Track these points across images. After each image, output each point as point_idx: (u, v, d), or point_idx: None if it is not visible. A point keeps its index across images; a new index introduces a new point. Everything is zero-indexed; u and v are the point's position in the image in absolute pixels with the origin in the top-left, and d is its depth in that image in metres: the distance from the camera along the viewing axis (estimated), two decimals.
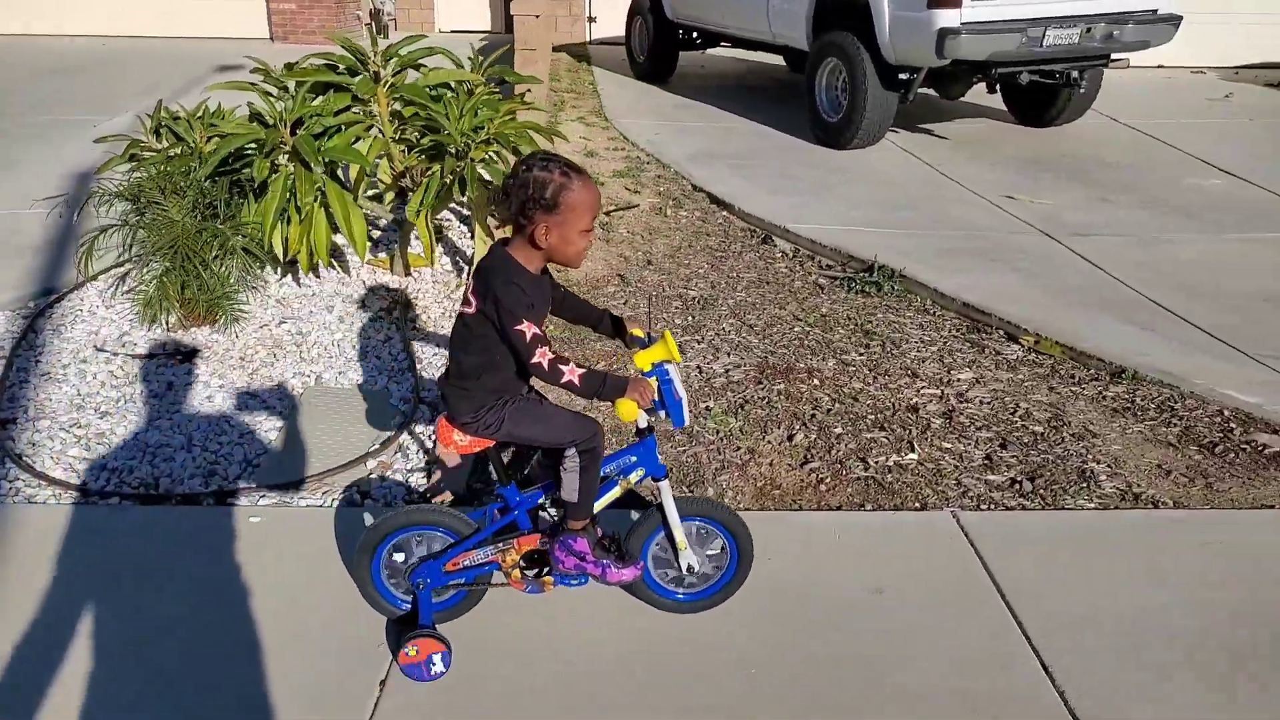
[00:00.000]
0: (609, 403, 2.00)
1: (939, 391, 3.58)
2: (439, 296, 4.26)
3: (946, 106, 8.29)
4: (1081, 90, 6.67)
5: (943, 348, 3.94)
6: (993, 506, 2.93)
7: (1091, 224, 5.45)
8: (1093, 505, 2.94)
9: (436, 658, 2.16)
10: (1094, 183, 6.21)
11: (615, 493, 2.19)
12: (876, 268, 4.65)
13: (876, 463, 3.12)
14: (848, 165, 6.57)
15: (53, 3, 11.05)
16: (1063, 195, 6.00)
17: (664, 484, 2.17)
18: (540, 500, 2.23)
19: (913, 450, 3.17)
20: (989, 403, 3.51)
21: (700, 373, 3.63)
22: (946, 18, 6.04)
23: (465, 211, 4.86)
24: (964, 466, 3.11)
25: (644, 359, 2.07)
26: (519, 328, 1.91)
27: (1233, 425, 3.39)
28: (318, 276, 4.25)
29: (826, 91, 7.09)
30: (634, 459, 2.18)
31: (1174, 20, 6.62)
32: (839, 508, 2.91)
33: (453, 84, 4.01)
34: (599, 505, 2.18)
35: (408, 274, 4.29)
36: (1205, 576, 2.62)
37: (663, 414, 2.07)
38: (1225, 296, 4.44)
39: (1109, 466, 3.13)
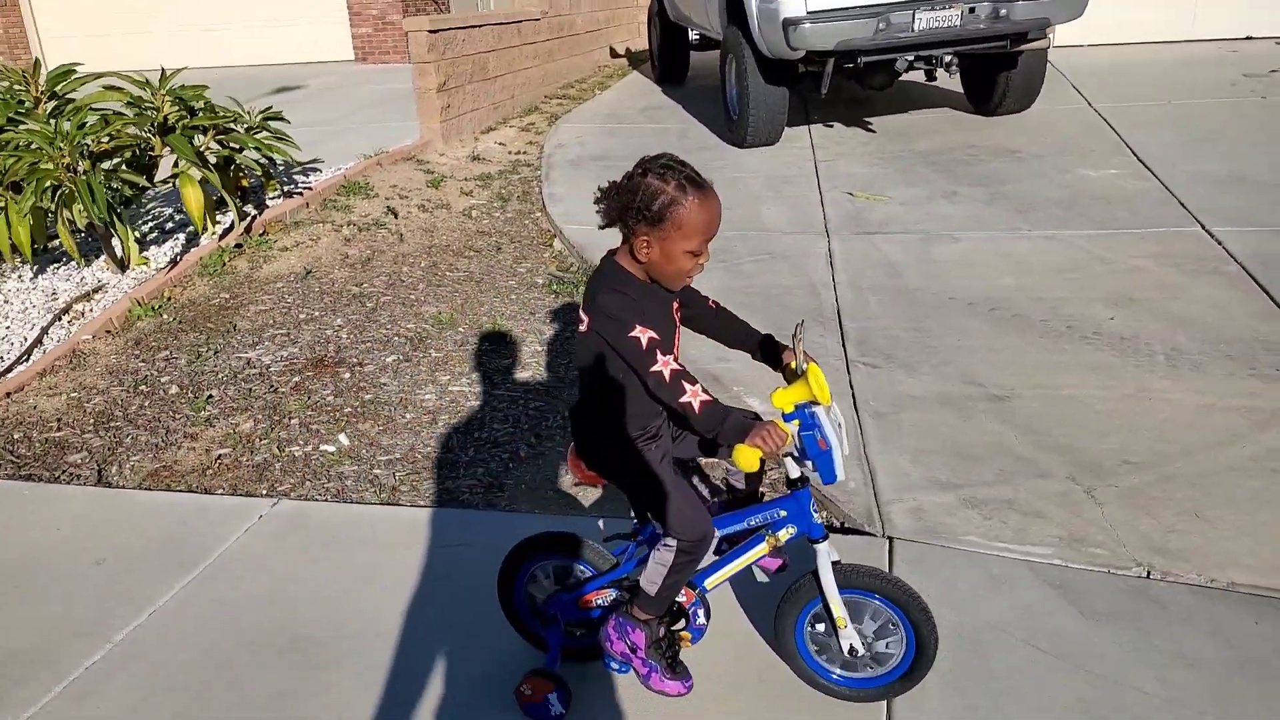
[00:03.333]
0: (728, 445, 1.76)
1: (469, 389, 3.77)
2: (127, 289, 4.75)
3: (916, 94, 7.92)
4: (951, 74, 6.18)
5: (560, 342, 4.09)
6: None
7: (902, 220, 5.25)
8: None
9: (553, 697, 2.02)
10: (967, 177, 5.87)
11: (760, 550, 1.97)
12: (577, 270, 4.81)
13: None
14: (732, 164, 6.59)
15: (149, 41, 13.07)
16: (919, 189, 5.74)
17: (821, 547, 1.90)
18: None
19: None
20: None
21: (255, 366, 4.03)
22: (790, 6, 5.96)
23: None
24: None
25: (783, 398, 1.80)
26: (632, 334, 1.71)
27: None
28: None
29: (733, 88, 7.08)
30: (784, 513, 1.92)
31: None
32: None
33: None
34: (738, 565, 2.00)
35: (122, 270, 4.82)
36: None
37: (807, 465, 1.81)
38: (932, 298, 4.25)
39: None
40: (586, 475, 2.00)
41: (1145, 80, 7.77)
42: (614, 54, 12.74)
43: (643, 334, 1.73)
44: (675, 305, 1.91)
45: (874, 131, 7.12)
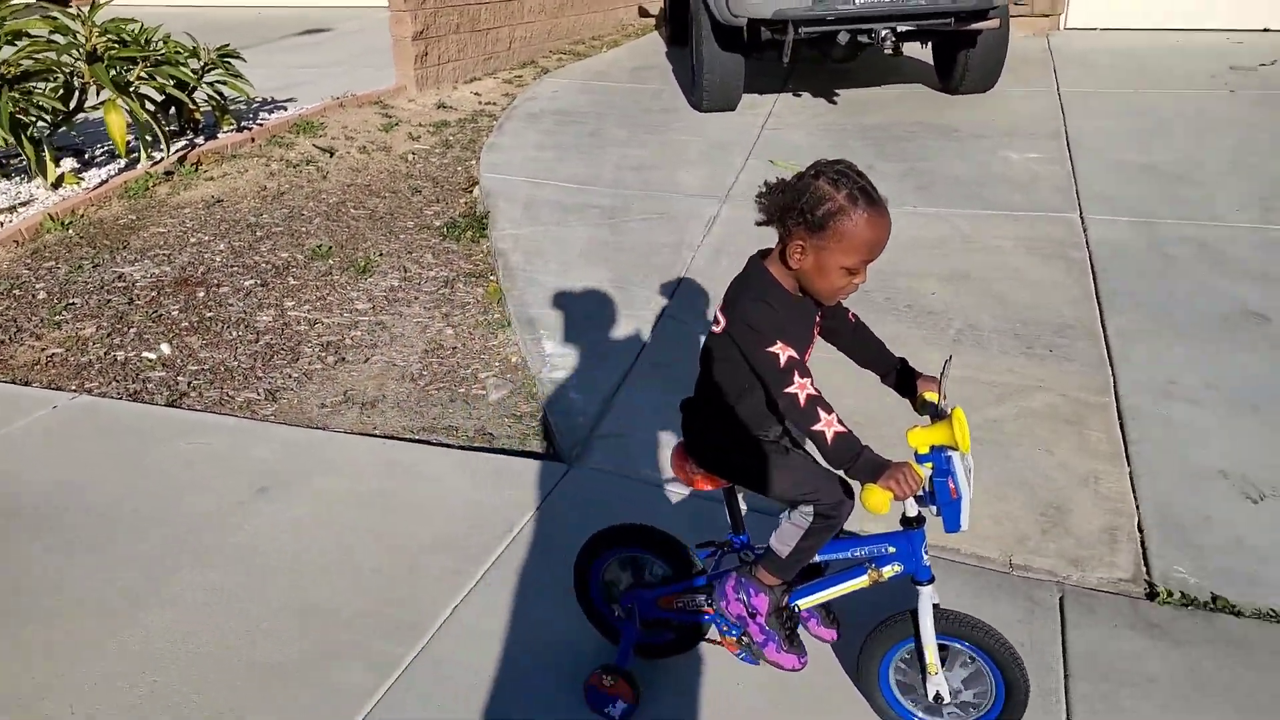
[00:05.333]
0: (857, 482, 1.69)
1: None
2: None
3: (895, 68, 7.91)
4: (888, 51, 6.20)
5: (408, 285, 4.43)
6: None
7: None
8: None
9: (622, 704, 2.01)
10: (895, 152, 5.96)
11: (860, 582, 1.89)
12: (479, 216, 5.12)
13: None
14: (682, 126, 6.78)
15: None
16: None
17: (925, 590, 1.83)
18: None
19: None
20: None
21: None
22: None
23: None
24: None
25: (920, 438, 1.71)
26: (770, 349, 1.64)
27: None
28: None
29: (693, 53, 7.23)
30: (892, 549, 1.85)
31: None
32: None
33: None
34: (834, 593, 1.94)
35: (55, 188, 5.22)
36: None
37: (932, 509, 1.75)
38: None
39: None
40: (692, 477, 1.91)
41: (1131, 67, 7.60)
42: (643, 13, 12.84)
43: (782, 351, 1.64)
44: (818, 318, 1.83)
45: (835, 104, 7.18)
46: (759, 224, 1.74)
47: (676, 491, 2.84)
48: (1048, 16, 9.15)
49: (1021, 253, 4.41)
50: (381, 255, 4.67)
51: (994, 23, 6.37)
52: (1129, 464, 2.93)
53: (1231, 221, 4.60)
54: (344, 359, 3.70)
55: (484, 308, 4.16)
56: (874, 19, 6.13)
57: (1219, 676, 2.18)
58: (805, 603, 1.97)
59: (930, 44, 7.29)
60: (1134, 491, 2.80)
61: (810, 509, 1.81)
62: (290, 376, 3.55)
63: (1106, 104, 6.67)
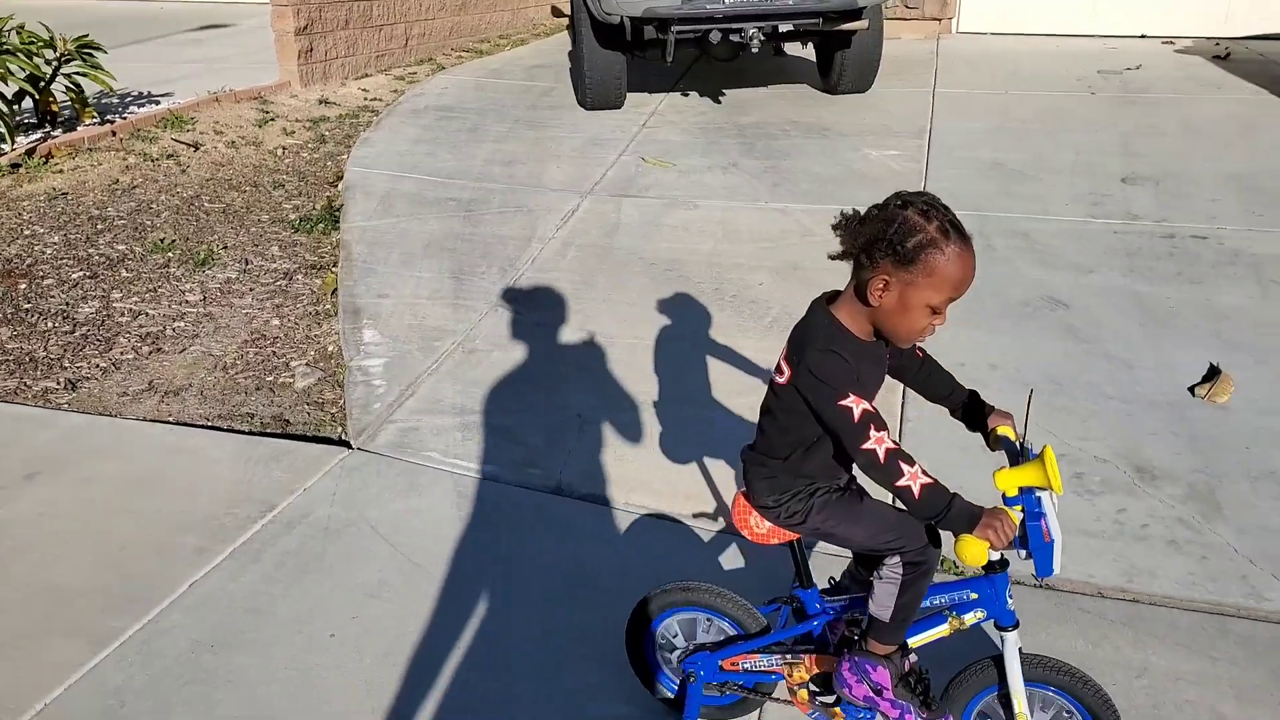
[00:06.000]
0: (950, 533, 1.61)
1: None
2: None
3: (776, 68, 8.08)
4: (754, 50, 6.35)
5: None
6: None
7: (666, 186, 5.55)
8: None
9: None
10: (763, 150, 6.11)
11: (941, 631, 1.82)
12: (335, 209, 5.16)
13: None
14: (564, 124, 6.86)
15: None
16: (708, 159, 6.01)
17: (1010, 636, 1.76)
18: (845, 615, 1.92)
19: None
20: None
21: None
22: None
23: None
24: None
25: (1009, 481, 1.63)
26: (843, 402, 1.56)
27: None
28: None
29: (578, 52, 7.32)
30: (974, 595, 1.78)
31: None
32: None
33: None
34: (915, 642, 1.84)
35: None
36: None
37: (1022, 553, 1.66)
38: (624, 256, 4.58)
39: None
40: (756, 532, 1.82)
41: (1007, 71, 7.87)
42: (556, 12, 12.92)
43: (855, 404, 1.55)
44: (887, 358, 1.75)
45: (719, 103, 7.33)
46: (834, 257, 1.64)
47: (451, 470, 2.92)
48: (938, 20, 9.43)
49: None
50: (225, 249, 4.68)
51: (863, 24, 6.56)
52: (900, 438, 3.07)
53: (1058, 215, 4.82)
54: (160, 349, 3.71)
55: (317, 299, 4.20)
56: (742, 19, 6.28)
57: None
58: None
59: (811, 45, 7.49)
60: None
61: (897, 560, 1.73)
62: (97, 366, 3.56)
63: (975, 105, 6.91)
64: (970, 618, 1.79)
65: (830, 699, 1.90)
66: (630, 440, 3.11)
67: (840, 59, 7.01)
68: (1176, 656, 2.23)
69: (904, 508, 1.62)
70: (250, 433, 3.13)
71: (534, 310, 4.02)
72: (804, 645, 1.91)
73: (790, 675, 1.91)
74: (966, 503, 1.57)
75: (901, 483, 1.55)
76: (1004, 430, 1.80)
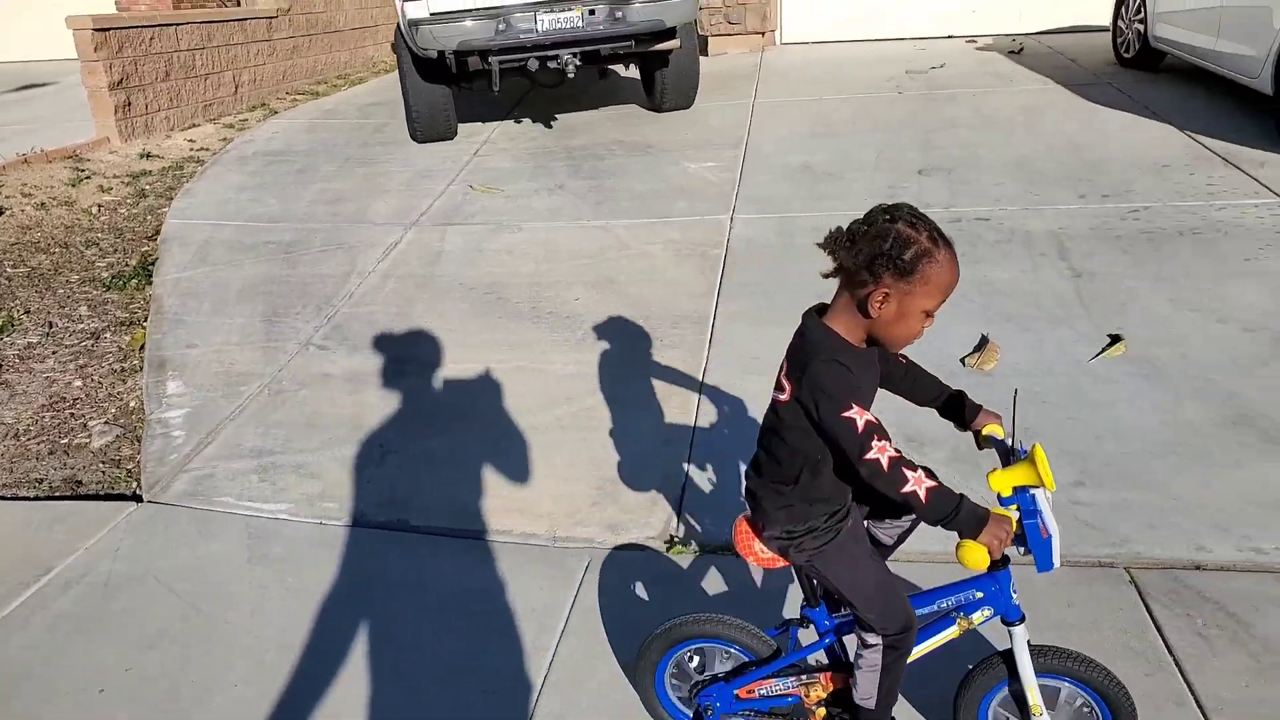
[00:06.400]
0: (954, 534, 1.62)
1: None
2: None
3: (608, 90, 8.29)
4: (570, 75, 6.56)
5: None
6: None
7: (493, 212, 5.64)
8: None
9: None
10: (589, 171, 6.27)
11: (951, 633, 1.84)
12: (151, 263, 5.05)
13: None
14: (394, 158, 6.90)
15: None
16: (536, 183, 6.13)
17: (1018, 630, 1.79)
18: (853, 630, 1.91)
19: None
20: None
21: None
22: (414, 9, 6.24)
23: None
24: None
25: (1003, 481, 1.67)
26: (846, 414, 1.58)
27: None
28: None
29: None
30: (979, 595, 1.80)
31: None
32: None
33: None
34: (925, 649, 1.86)
35: None
36: None
37: (1020, 550, 1.70)
38: (445, 284, 4.66)
39: None
40: (761, 558, 1.84)
41: (824, 77, 8.29)
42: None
43: (859, 415, 1.57)
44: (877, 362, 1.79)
45: (550, 128, 7.48)
46: (827, 275, 1.67)
47: (244, 514, 2.93)
48: (762, 34, 9.86)
49: (669, 256, 4.75)
50: (28, 313, 4.54)
51: (675, 43, 6.83)
52: (694, 436, 3.24)
53: (857, 210, 5.06)
54: None
55: (125, 355, 4.12)
56: (556, 45, 6.46)
57: (693, 605, 2.45)
58: None
59: (634, 66, 7.73)
60: (689, 459, 3.10)
61: (877, 644, 1.76)
62: None
63: (791, 112, 7.26)
64: (978, 616, 1.81)
65: (848, 717, 1.92)
66: (431, 465, 3.18)
67: (661, 78, 7.27)
68: None
69: (914, 513, 1.64)
70: (36, 498, 3.06)
71: (346, 346, 4.04)
72: (819, 664, 1.93)
73: (807, 696, 1.92)
74: (974, 505, 1.60)
75: (907, 489, 1.57)
76: (991, 429, 1.84)
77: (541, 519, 2.84)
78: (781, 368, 1.71)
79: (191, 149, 7.50)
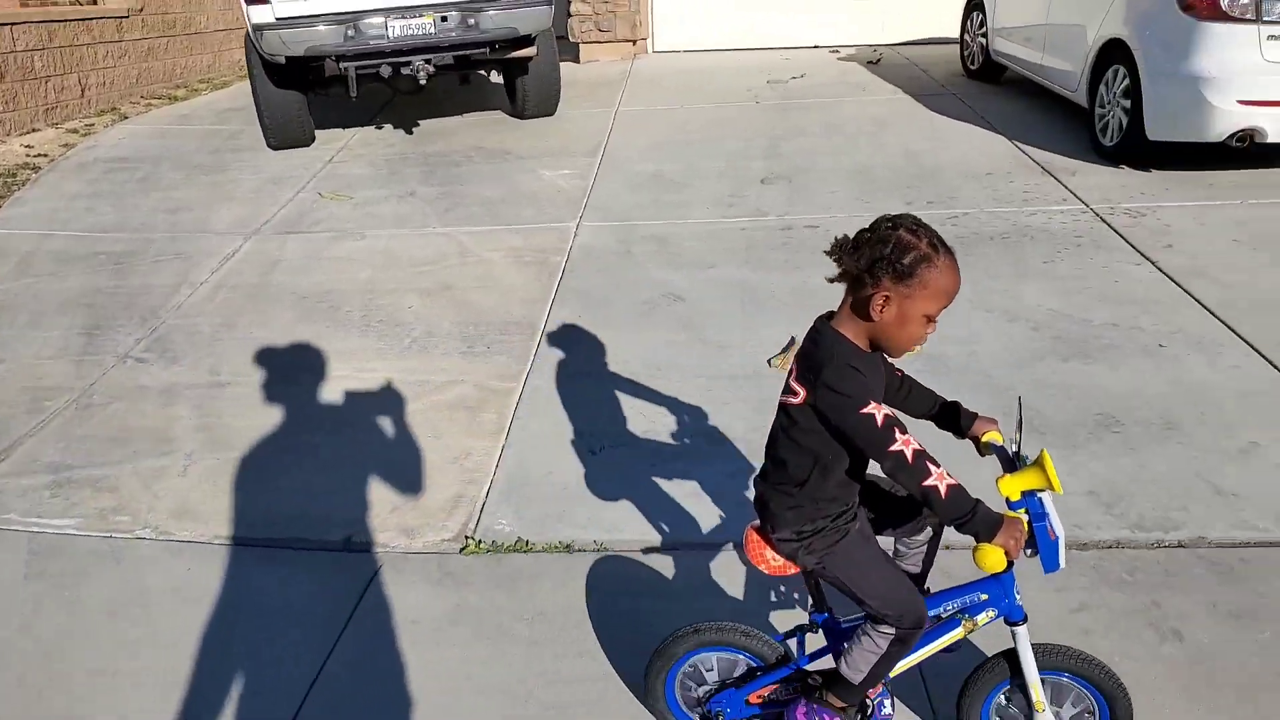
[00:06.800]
0: (970, 537, 1.65)
1: None
2: None
3: (478, 96, 8.34)
4: (422, 82, 6.61)
5: None
6: None
7: (338, 219, 5.65)
8: None
9: None
10: (443, 177, 6.32)
11: (955, 635, 1.89)
12: None
13: None
14: (246, 165, 6.81)
15: None
16: (387, 190, 6.15)
17: (1021, 630, 1.84)
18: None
19: None
20: None
21: None
22: (258, 13, 6.19)
23: None
24: None
25: (1013, 486, 1.71)
26: (864, 410, 1.63)
27: None
28: None
29: None
30: (984, 597, 1.85)
31: (548, 2, 6.54)
32: None
33: None
34: (930, 650, 1.91)
35: None
36: None
37: (1028, 552, 1.72)
38: (276, 293, 4.65)
39: None
40: (773, 565, 1.87)
41: (690, 86, 8.52)
42: None
43: (876, 411, 1.63)
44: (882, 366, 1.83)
45: (412, 134, 7.49)
46: (833, 280, 1.72)
47: (29, 530, 2.90)
48: (633, 42, 10.06)
49: (509, 262, 4.85)
50: None
51: (531, 50, 6.94)
52: (507, 438, 3.34)
53: (696, 218, 5.31)
54: None
55: None
56: (409, 51, 6.49)
57: (480, 606, 2.55)
58: (904, 664, 1.92)
59: (500, 73, 7.80)
60: (499, 461, 3.20)
61: (891, 630, 1.80)
62: None
63: (651, 121, 7.45)
64: (983, 618, 1.86)
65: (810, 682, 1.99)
66: (233, 475, 3.18)
67: (522, 85, 7.37)
68: (683, 592, 2.59)
69: (932, 508, 1.67)
70: None
71: (166, 358, 4.00)
72: (828, 668, 1.96)
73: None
74: (988, 509, 1.65)
75: (929, 483, 1.61)
76: (991, 436, 1.88)
77: (337, 526, 2.90)
78: (791, 372, 1.75)
79: (28, 155, 7.24)
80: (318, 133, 7.38)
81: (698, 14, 10.14)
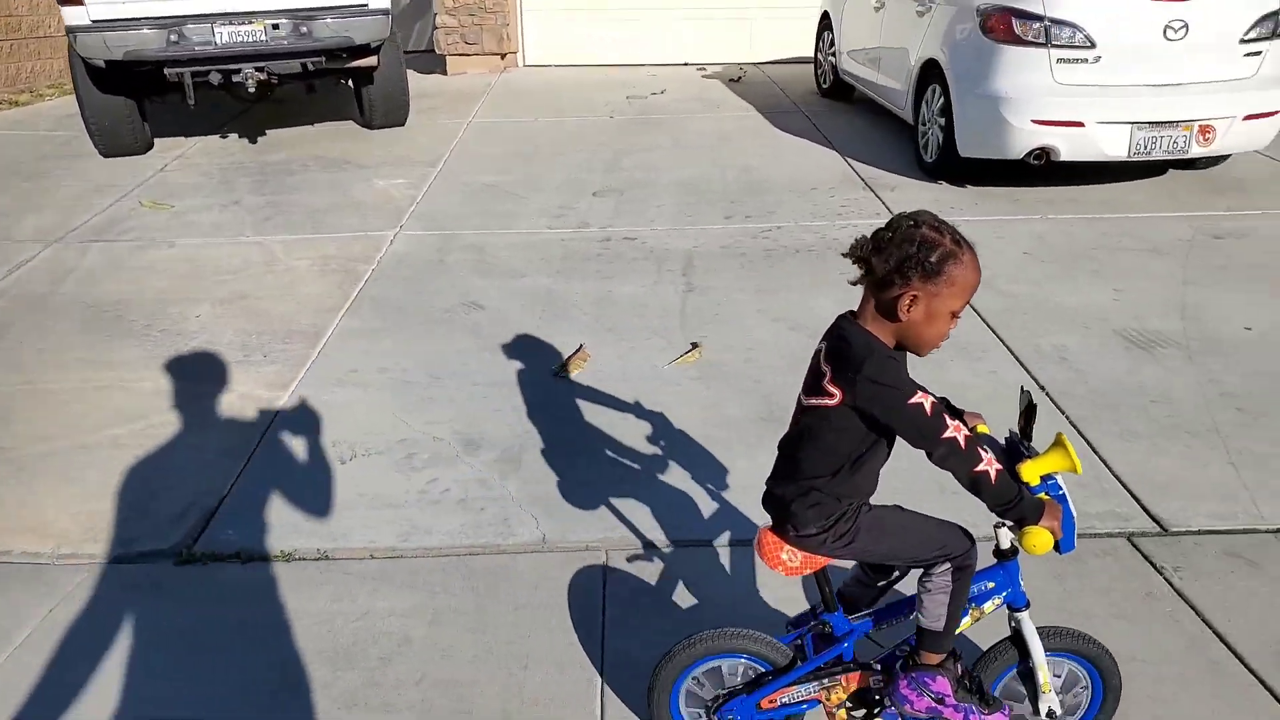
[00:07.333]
0: (1013, 525, 1.74)
1: None
2: None
3: (334, 105, 8.24)
4: (250, 90, 6.52)
5: None
6: None
7: (149, 229, 5.50)
8: None
9: None
10: (274, 186, 6.23)
11: (964, 624, 1.91)
12: None
13: None
14: (72, 173, 6.59)
15: None
16: (212, 198, 6.01)
17: (1025, 615, 1.91)
18: (870, 630, 1.98)
19: None
20: None
21: None
22: (73, 15, 6.03)
23: None
24: None
25: (1034, 470, 1.76)
26: (914, 400, 1.63)
27: None
28: None
29: None
30: (992, 584, 1.91)
31: (385, 11, 6.52)
32: None
33: None
34: None
35: None
36: None
37: None
38: (66, 303, 4.52)
39: None
40: (790, 566, 1.84)
41: (550, 100, 8.58)
42: None
43: (924, 400, 1.63)
44: None
45: (256, 143, 7.35)
46: (855, 283, 1.73)
47: None
48: (503, 56, 10.09)
49: (315, 271, 4.79)
50: None
51: (371, 60, 6.90)
52: (258, 446, 3.27)
53: (520, 229, 5.33)
54: None
55: None
56: (239, 59, 6.38)
57: (186, 619, 2.50)
58: None
59: (348, 81, 7.72)
60: (243, 470, 3.14)
61: (947, 567, 1.82)
62: None
63: (502, 132, 7.48)
64: (989, 606, 1.91)
65: (860, 713, 2.00)
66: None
67: (368, 95, 7.32)
68: (400, 597, 2.56)
69: (980, 494, 1.69)
70: None
71: None
72: (837, 667, 1.97)
73: (827, 699, 1.97)
74: (1030, 493, 1.71)
75: (980, 468, 1.65)
76: (981, 429, 1.91)
77: (52, 538, 2.80)
78: (822, 374, 1.71)
79: None
80: (158, 140, 7.21)
81: (568, 29, 10.23)
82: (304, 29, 6.36)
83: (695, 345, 3.92)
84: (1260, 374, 3.63)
